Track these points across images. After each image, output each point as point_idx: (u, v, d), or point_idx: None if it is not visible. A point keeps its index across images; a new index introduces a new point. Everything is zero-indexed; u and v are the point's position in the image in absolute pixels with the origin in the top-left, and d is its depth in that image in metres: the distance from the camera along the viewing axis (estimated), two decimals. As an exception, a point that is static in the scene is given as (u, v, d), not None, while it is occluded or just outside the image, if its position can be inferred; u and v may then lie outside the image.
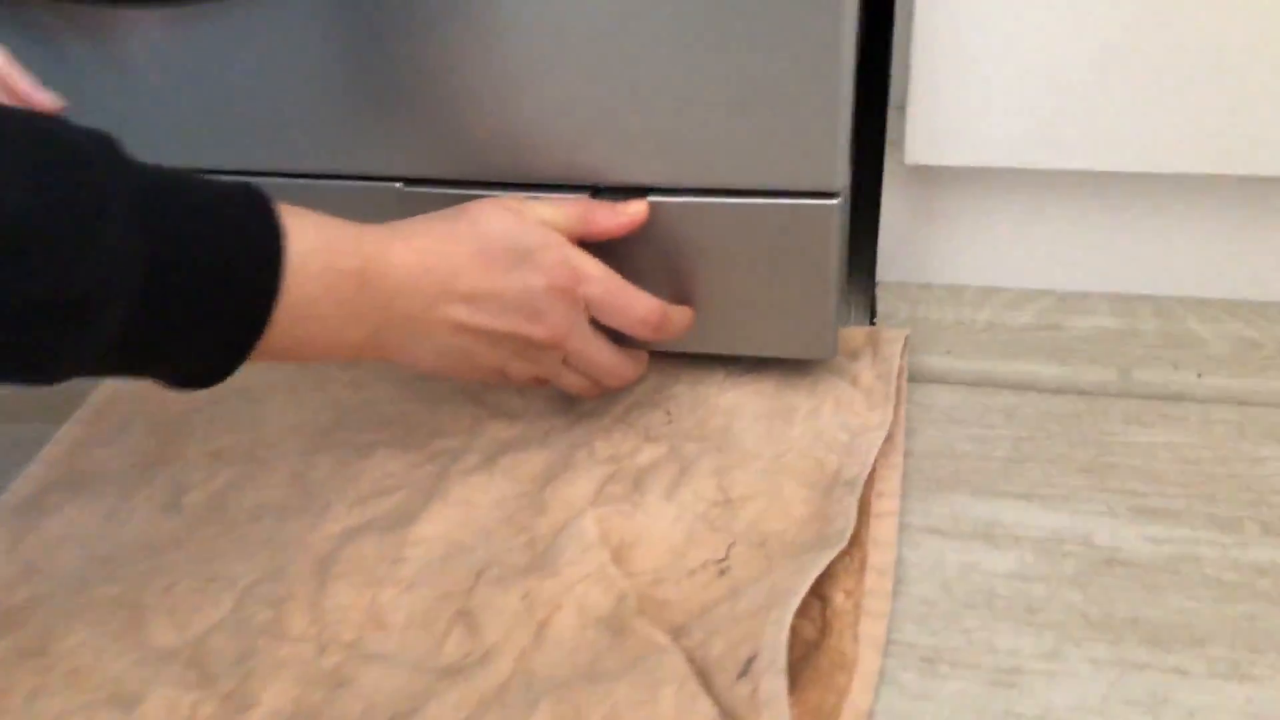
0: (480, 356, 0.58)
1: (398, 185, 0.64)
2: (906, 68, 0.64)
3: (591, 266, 0.58)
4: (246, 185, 0.48)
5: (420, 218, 0.56)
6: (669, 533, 0.59)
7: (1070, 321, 0.72)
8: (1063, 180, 0.69)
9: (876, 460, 0.62)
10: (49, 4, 0.60)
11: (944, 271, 0.74)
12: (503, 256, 0.56)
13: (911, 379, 0.69)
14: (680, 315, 0.63)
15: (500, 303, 0.56)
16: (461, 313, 0.55)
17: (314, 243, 0.49)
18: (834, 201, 0.60)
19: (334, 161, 0.64)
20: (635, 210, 0.61)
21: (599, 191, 0.61)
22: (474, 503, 0.61)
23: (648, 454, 0.64)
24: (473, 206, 0.57)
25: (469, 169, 0.62)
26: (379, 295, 0.52)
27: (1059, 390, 0.68)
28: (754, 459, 0.63)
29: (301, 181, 0.65)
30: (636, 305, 0.60)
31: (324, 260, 0.49)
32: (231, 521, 0.62)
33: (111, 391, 0.73)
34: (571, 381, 0.63)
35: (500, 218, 0.56)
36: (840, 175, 0.58)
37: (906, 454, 0.64)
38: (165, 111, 0.63)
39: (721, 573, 0.57)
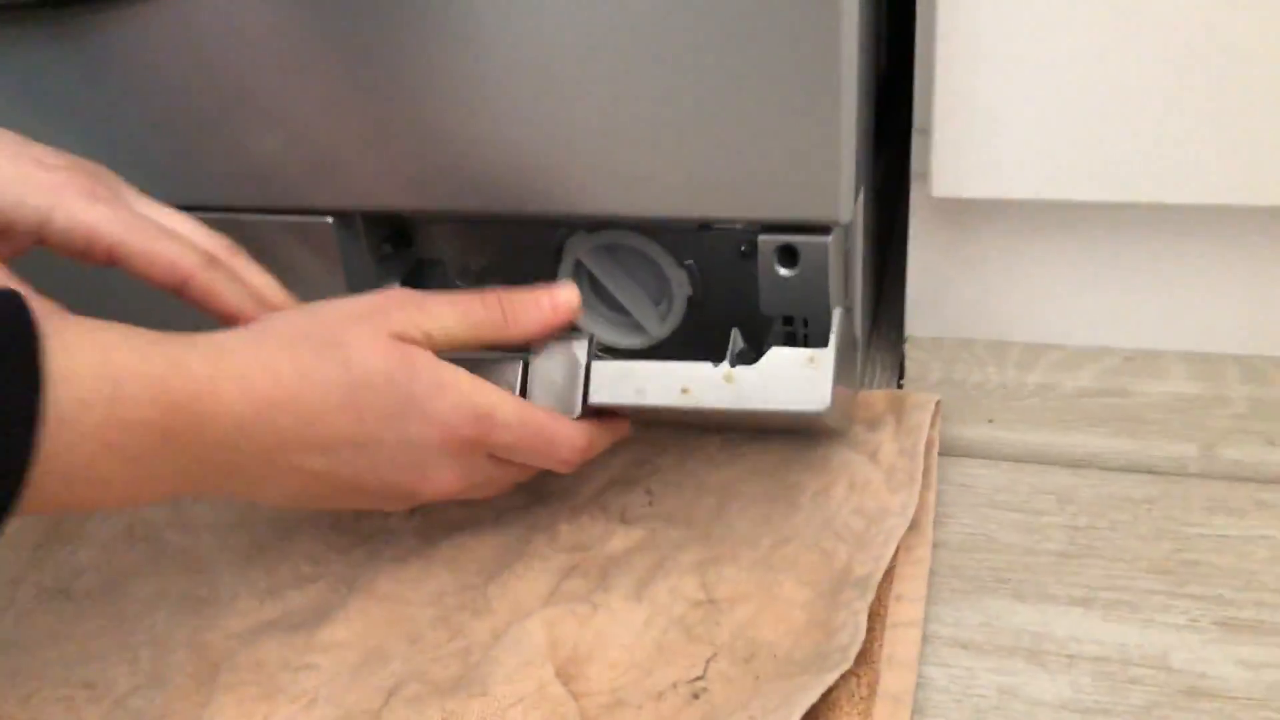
0: (345, 502, 0.47)
1: (329, 220, 0.55)
2: (930, 82, 0.53)
3: (504, 408, 0.47)
4: None
5: (273, 333, 0.44)
6: (635, 642, 0.48)
7: (1139, 386, 0.60)
8: (1127, 217, 0.57)
9: (897, 554, 0.51)
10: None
11: (985, 325, 0.62)
12: (379, 404, 0.44)
13: (944, 454, 0.58)
14: (607, 432, 0.52)
15: (372, 457, 0.44)
16: (317, 463, 0.43)
17: (92, 387, 0.36)
18: (826, 239, 0.49)
19: (266, 194, 0.55)
20: (566, 298, 0.50)
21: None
22: (404, 598, 0.51)
23: (620, 541, 0.53)
24: (347, 332, 0.44)
25: (431, 199, 0.53)
26: (195, 448, 0.40)
27: (1126, 469, 0.56)
28: (747, 550, 0.52)
29: (225, 216, 0.56)
30: (558, 446, 0.49)
31: (105, 412, 0.37)
32: (122, 613, 0.52)
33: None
34: (488, 491, 0.51)
35: (380, 353, 0.44)
36: (837, 207, 0.48)
37: (935, 546, 0.52)
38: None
39: (695, 695, 0.45)
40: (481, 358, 0.49)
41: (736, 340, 0.50)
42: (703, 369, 0.49)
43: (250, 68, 0.51)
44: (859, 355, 0.59)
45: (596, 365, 0.50)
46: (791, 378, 0.47)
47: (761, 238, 0.50)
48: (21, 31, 0.53)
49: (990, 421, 0.59)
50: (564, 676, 0.46)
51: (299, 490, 0.44)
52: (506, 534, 0.54)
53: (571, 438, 0.49)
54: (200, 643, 0.50)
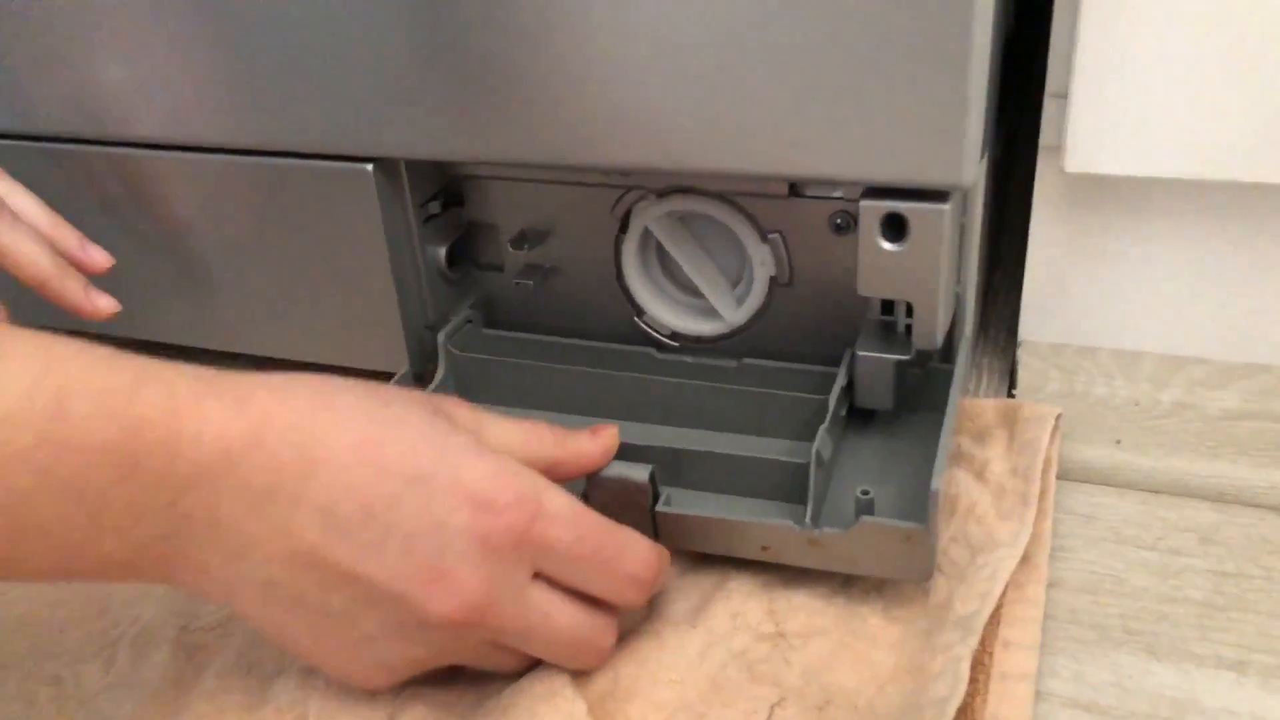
0: (331, 616, 0.35)
1: (369, 168, 0.49)
2: (1071, 36, 0.45)
3: (556, 495, 0.37)
4: None
5: (297, 375, 0.36)
6: (687, 677, 0.40)
7: (1300, 410, 0.51)
8: (1296, 210, 0.49)
9: (1006, 592, 0.42)
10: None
11: (1115, 331, 0.54)
12: (404, 453, 0.34)
13: (1063, 477, 0.49)
14: (667, 559, 0.41)
15: (382, 532, 0.34)
16: (311, 531, 0.33)
17: (24, 401, 0.29)
18: (943, 207, 0.41)
19: (303, 136, 0.49)
20: (609, 436, 0.43)
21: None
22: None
23: (674, 560, 0.46)
24: (387, 388, 0.38)
25: (482, 148, 0.46)
26: (164, 487, 0.31)
27: (1284, 508, 0.47)
28: (825, 575, 0.44)
29: (270, 160, 0.50)
30: (628, 557, 0.38)
31: (43, 431, 0.29)
32: (105, 602, 0.46)
33: None
34: (501, 660, 0.39)
35: (420, 400, 0.37)
36: (960, 168, 0.40)
37: (1052, 586, 0.44)
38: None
39: (756, 747, 0.38)
40: None
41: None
42: (786, 529, 0.42)
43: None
44: (965, 362, 0.51)
45: (664, 512, 0.43)
46: (886, 552, 0.41)
47: (864, 203, 0.42)
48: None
49: (1117, 443, 0.50)
50: (599, 714, 0.38)
51: (275, 581, 0.34)
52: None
53: (644, 550, 0.39)
54: (189, 642, 0.43)
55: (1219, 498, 0.48)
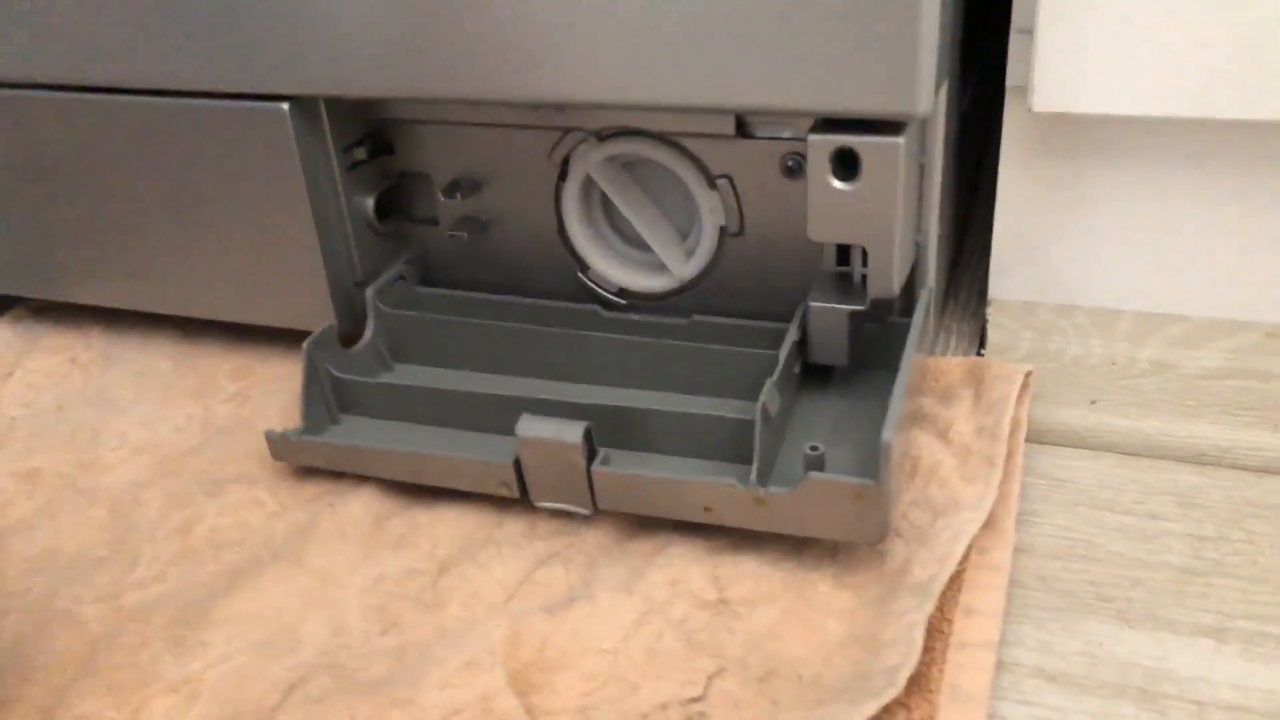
0: None
1: (285, 106, 0.45)
2: (1041, -38, 0.42)
3: None
4: None
5: None
6: (621, 646, 0.37)
7: (1285, 368, 0.48)
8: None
9: (968, 557, 0.39)
10: None
11: (1090, 288, 0.50)
12: None
13: (1034, 440, 0.46)
14: None
15: None
16: None
17: None
18: (897, 140, 0.38)
19: (203, 74, 0.45)
20: None
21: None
22: (335, 577, 0.40)
23: (614, 524, 0.42)
24: None
25: (402, 82, 0.43)
26: None
27: (1266, 469, 0.44)
28: (774, 538, 0.41)
29: (175, 101, 0.47)
30: None
31: None
32: (-2, 574, 0.42)
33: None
34: None
35: None
36: (913, 96, 0.36)
37: (1019, 551, 0.41)
38: None
39: (691, 721, 0.34)
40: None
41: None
42: (729, 488, 0.38)
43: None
44: (929, 327, 0.48)
45: (600, 472, 0.40)
46: (836, 511, 0.37)
47: (812, 138, 0.39)
48: None
49: (1093, 403, 0.47)
50: (521, 686, 0.35)
51: None
52: (474, 515, 0.43)
53: None
54: (80, 615, 0.40)
55: (1199, 459, 0.44)
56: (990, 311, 0.51)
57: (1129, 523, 0.42)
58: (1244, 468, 0.44)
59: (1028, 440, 0.46)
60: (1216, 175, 0.46)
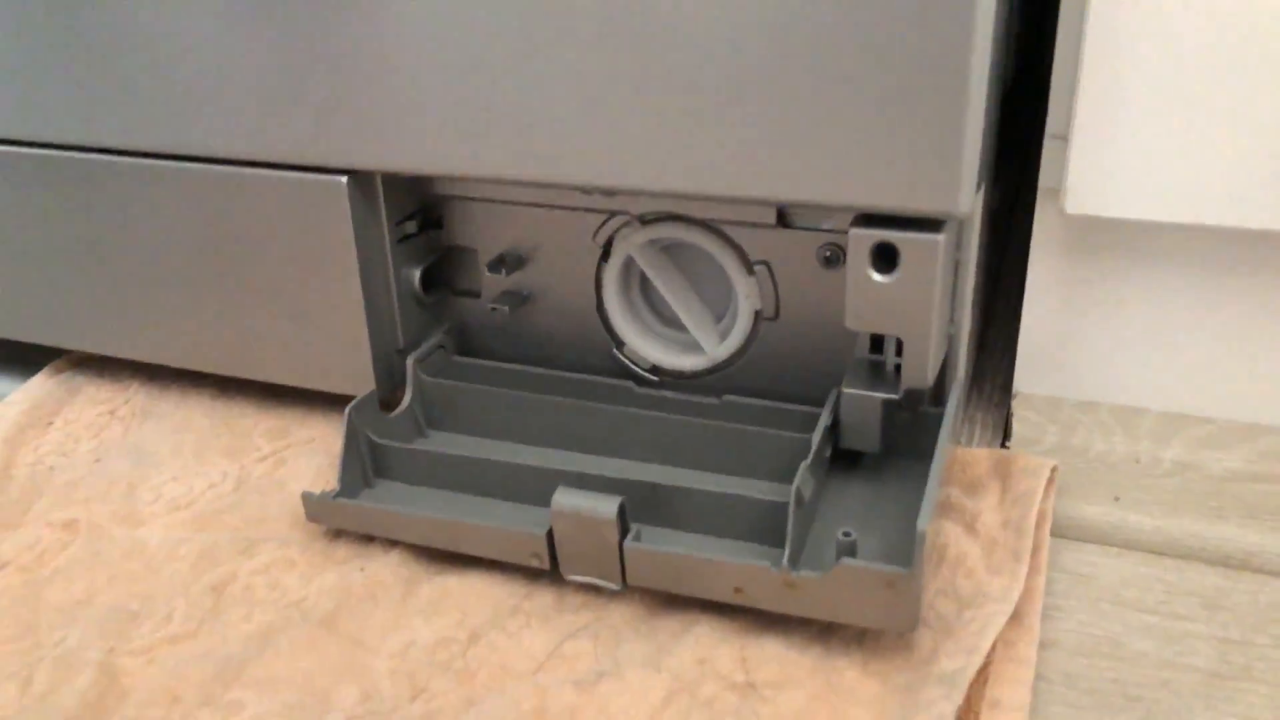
0: None
1: (344, 179, 0.47)
2: (1072, 78, 0.44)
3: None
4: None
5: None
6: (647, 723, 0.37)
7: (1309, 475, 0.48)
8: (1305, 264, 0.47)
9: (995, 650, 0.39)
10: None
11: (1115, 386, 0.51)
12: None
13: (1060, 535, 0.47)
14: None
15: None
16: None
17: None
18: (937, 237, 0.39)
19: (268, 146, 0.47)
20: None
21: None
22: (364, 642, 0.41)
23: (644, 601, 0.43)
24: None
25: (458, 161, 0.44)
26: None
27: (1293, 575, 0.44)
28: (801, 624, 0.41)
29: (236, 169, 0.48)
30: None
31: None
32: (33, 622, 0.43)
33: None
34: None
35: None
36: (955, 196, 0.38)
37: (1045, 647, 0.41)
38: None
39: (718, 804, 0.34)
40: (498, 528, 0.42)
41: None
42: (760, 570, 0.39)
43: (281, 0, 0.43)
44: (957, 405, 0.49)
45: (632, 549, 0.41)
46: (867, 598, 0.38)
47: (854, 231, 0.40)
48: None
49: (1116, 500, 0.48)
50: (550, 758, 0.35)
51: None
52: (503, 584, 0.44)
53: None
54: (113, 665, 0.40)
55: (1224, 561, 0.45)
56: (1015, 405, 0.52)
57: (1154, 622, 0.42)
58: (1269, 572, 0.44)
59: (1052, 534, 0.46)
60: (1243, 282, 0.47)
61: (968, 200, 0.38)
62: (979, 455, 0.48)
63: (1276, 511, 0.46)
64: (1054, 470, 0.47)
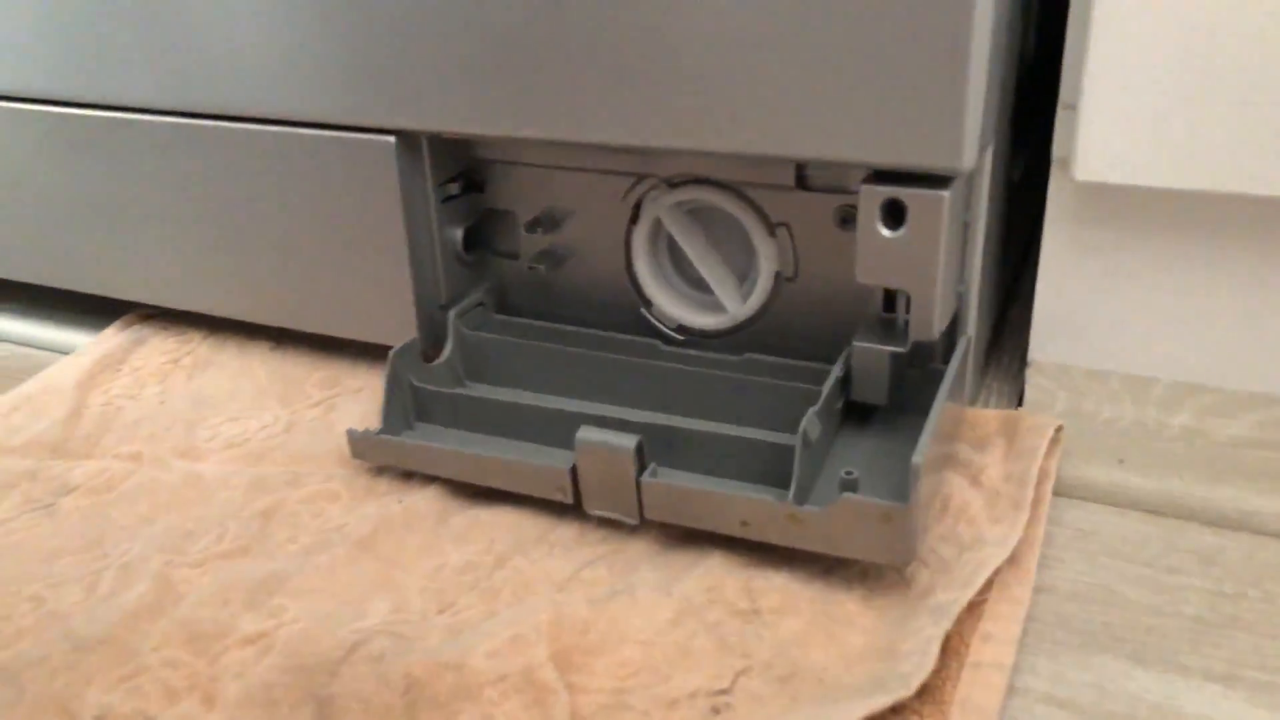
0: None
1: (392, 140, 0.50)
2: (1083, 46, 0.46)
3: None
4: None
5: None
6: (655, 639, 0.40)
7: (1313, 443, 0.49)
8: (1314, 237, 0.48)
9: (990, 590, 0.42)
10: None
11: (1126, 355, 0.53)
12: None
13: (1062, 493, 0.48)
14: None
15: None
16: None
17: None
18: (942, 194, 0.41)
19: (319, 107, 0.51)
20: None
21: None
22: (399, 562, 0.44)
23: (659, 534, 0.45)
24: None
25: (504, 123, 0.48)
26: None
27: (1289, 534, 0.45)
28: (806, 559, 0.43)
29: (290, 130, 0.52)
30: None
31: None
32: (99, 537, 0.47)
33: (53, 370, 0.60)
34: None
35: None
36: (958, 153, 0.40)
37: (1040, 591, 0.43)
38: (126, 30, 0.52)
39: (715, 710, 0.37)
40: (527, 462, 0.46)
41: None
42: (766, 504, 0.42)
43: (326, -40, 0.47)
44: (968, 376, 0.51)
45: (648, 483, 0.44)
46: (866, 531, 0.40)
47: (864, 188, 0.43)
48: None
49: (1121, 463, 0.49)
50: (562, 665, 0.38)
51: None
52: (530, 517, 0.47)
53: None
54: (169, 575, 0.44)
55: (1222, 521, 0.46)
56: (1029, 372, 0.54)
57: (1148, 574, 0.44)
58: (1265, 533, 0.46)
59: (1057, 493, 0.48)
60: (1252, 250, 0.49)
61: (970, 158, 0.41)
62: (988, 415, 0.50)
63: (1276, 476, 0.48)
64: (1059, 430, 0.49)
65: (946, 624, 0.38)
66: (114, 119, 0.56)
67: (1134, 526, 0.47)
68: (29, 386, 0.59)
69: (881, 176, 0.43)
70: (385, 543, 0.45)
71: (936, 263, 0.43)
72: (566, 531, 0.46)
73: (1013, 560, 0.43)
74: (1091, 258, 0.51)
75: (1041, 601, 0.43)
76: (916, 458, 0.39)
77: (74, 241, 0.61)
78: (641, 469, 0.44)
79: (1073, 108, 0.47)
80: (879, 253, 0.43)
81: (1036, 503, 0.46)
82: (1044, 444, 0.47)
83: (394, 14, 0.47)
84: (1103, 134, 0.46)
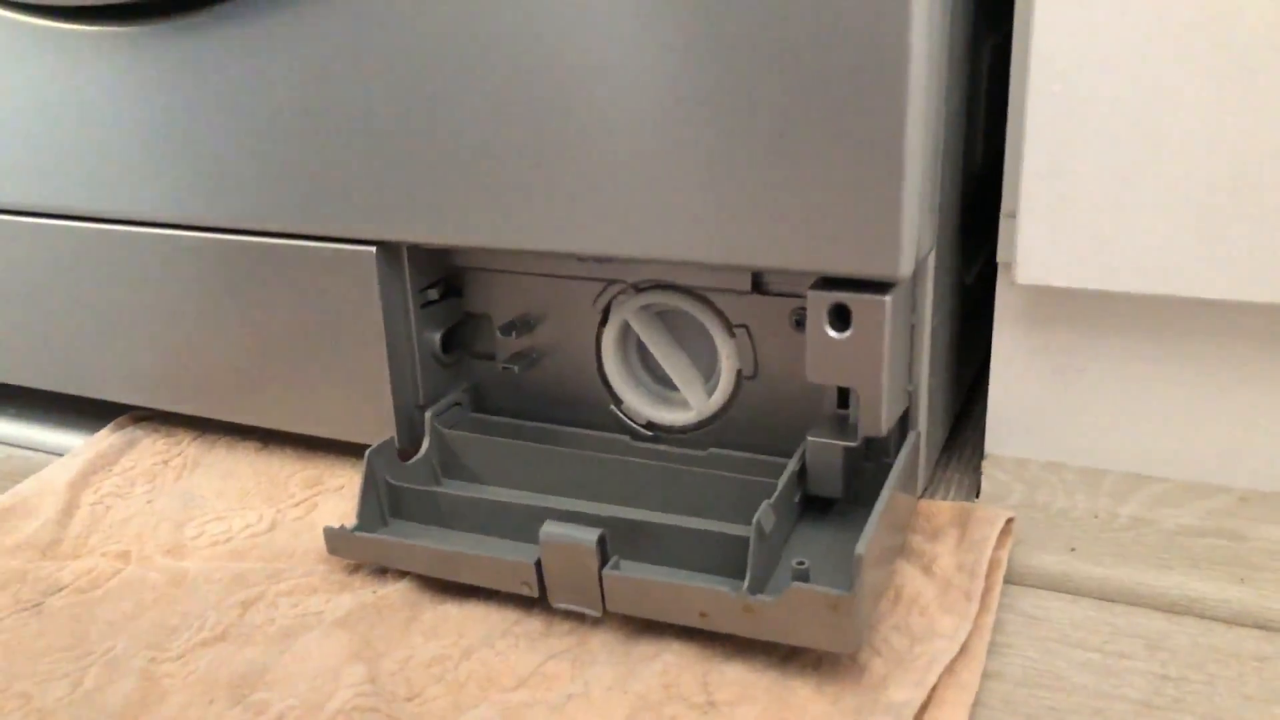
0: None
1: (373, 249, 0.53)
2: (1018, 161, 0.49)
3: None
4: None
5: None
6: (613, 731, 0.41)
7: (1256, 530, 0.51)
8: (1251, 324, 0.50)
9: (940, 680, 0.43)
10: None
11: (1077, 448, 0.55)
12: None
13: (1014, 580, 0.50)
14: None
15: None
16: None
17: None
18: (883, 299, 0.44)
19: (304, 219, 0.54)
20: None
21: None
22: (372, 644, 0.46)
23: (619, 627, 0.47)
24: None
25: (476, 234, 0.50)
26: None
27: (1234, 620, 0.47)
28: (763, 649, 0.45)
29: (273, 240, 0.55)
30: None
31: None
32: (84, 634, 0.48)
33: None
34: None
35: None
36: (896, 261, 0.43)
37: (989, 677, 0.44)
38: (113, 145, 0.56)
39: (670, 799, 0.38)
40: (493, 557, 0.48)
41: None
42: (721, 594, 0.44)
43: (311, 85, 0.51)
44: (920, 469, 0.53)
45: (610, 575, 0.46)
46: (815, 620, 0.42)
47: (812, 293, 0.45)
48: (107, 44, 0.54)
49: (1072, 550, 0.51)
50: (522, 755, 0.39)
51: None
52: (498, 611, 0.48)
53: None
54: (152, 672, 0.45)
55: (1170, 608, 0.48)
56: (985, 465, 0.56)
57: (1096, 659, 0.45)
58: (1212, 618, 0.47)
59: (1010, 581, 0.50)
60: (1190, 347, 0.51)
61: (908, 266, 0.43)
62: (942, 507, 0.52)
63: (1222, 563, 0.49)
64: (1010, 521, 0.50)
65: None
66: (110, 231, 0.59)
67: (1084, 613, 0.48)
68: (24, 487, 0.61)
69: (828, 282, 0.46)
70: (358, 626, 0.47)
71: (881, 362, 0.45)
72: (533, 624, 0.48)
73: (963, 650, 0.44)
74: (1040, 356, 0.54)
75: (990, 687, 0.44)
76: (860, 548, 0.41)
77: (70, 346, 0.64)
78: (604, 562, 0.46)
79: (1013, 216, 0.50)
80: (827, 353, 0.46)
81: (987, 592, 0.47)
82: (994, 535, 0.49)
83: (375, 136, 0.50)
84: (1041, 240, 0.49)
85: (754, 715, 0.42)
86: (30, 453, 0.68)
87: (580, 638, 0.47)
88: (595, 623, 0.47)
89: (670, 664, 0.44)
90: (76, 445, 0.66)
